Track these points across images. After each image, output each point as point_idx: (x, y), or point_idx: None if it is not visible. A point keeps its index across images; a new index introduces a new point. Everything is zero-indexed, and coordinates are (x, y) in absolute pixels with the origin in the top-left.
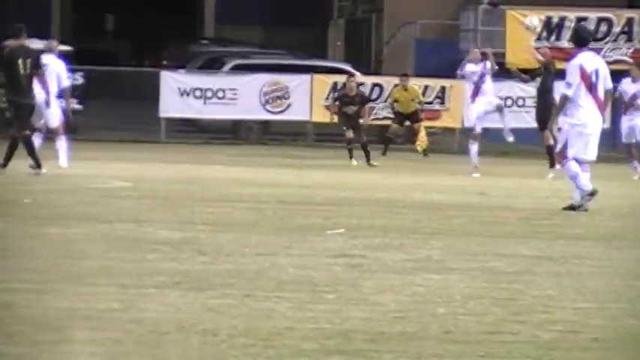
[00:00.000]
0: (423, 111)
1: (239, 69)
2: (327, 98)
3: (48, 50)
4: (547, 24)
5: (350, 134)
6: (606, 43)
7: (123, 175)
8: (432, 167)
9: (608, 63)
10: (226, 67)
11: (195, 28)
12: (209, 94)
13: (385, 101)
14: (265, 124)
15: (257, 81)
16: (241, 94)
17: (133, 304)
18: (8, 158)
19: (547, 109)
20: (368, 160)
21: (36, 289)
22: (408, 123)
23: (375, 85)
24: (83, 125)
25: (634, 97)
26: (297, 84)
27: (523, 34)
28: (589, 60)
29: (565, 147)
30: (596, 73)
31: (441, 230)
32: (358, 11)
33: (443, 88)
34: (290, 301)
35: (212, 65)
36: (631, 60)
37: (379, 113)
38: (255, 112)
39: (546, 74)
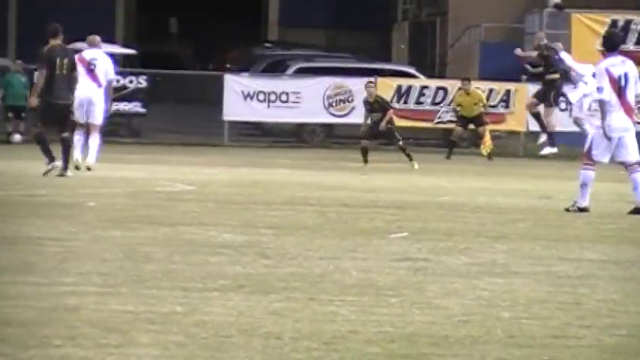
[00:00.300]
0: (488, 114)
1: (303, 72)
2: (391, 101)
3: (92, 45)
4: (613, 27)
5: (364, 143)
6: None
7: (186, 179)
8: (496, 171)
9: None
10: (290, 70)
11: (259, 31)
12: (273, 97)
13: (449, 105)
14: (329, 127)
15: (321, 84)
16: (305, 98)
17: (196, 308)
18: (49, 154)
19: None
20: (410, 159)
21: (101, 292)
22: (472, 126)
23: (440, 88)
24: (146, 128)
25: None
26: (360, 87)
27: (589, 37)
28: (616, 64)
29: (590, 148)
30: (625, 77)
31: (506, 234)
32: (422, 14)
33: (507, 92)
34: (353, 304)
35: (276, 68)
36: None
37: (443, 116)
38: (319, 115)
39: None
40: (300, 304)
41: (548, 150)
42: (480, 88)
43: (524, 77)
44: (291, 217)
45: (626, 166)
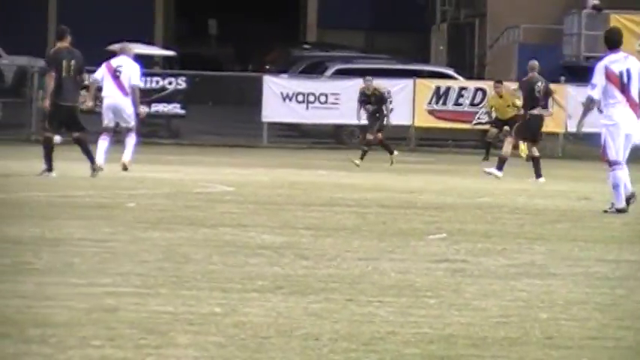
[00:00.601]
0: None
1: (341, 73)
2: (429, 102)
3: (122, 52)
4: None
5: (369, 136)
6: None
7: (225, 180)
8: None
9: None
10: (329, 72)
11: (298, 33)
12: (311, 98)
13: (485, 106)
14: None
15: (359, 85)
16: (343, 99)
17: (235, 309)
18: (89, 156)
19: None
20: (390, 153)
21: (140, 292)
22: (507, 128)
23: (478, 89)
24: (186, 130)
25: None
26: (399, 88)
27: (628, 38)
28: (617, 61)
29: (605, 148)
30: (628, 73)
31: (544, 235)
32: (461, 16)
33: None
34: (392, 305)
35: (314, 70)
36: None
37: (481, 118)
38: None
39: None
40: (338, 305)
41: (493, 170)
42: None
43: (562, 78)
44: (329, 219)
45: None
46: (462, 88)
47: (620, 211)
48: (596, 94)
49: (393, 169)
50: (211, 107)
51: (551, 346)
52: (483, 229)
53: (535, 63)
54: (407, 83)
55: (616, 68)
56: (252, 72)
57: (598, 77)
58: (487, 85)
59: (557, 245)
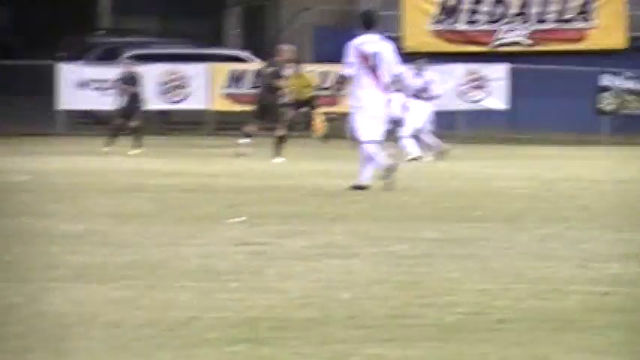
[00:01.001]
0: (319, 97)
1: (138, 59)
2: (226, 86)
3: None
4: (443, 7)
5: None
6: (502, 24)
7: (23, 169)
8: (333, 153)
9: (504, 45)
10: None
11: (92, 19)
12: (106, 85)
13: None
14: (165, 113)
15: (155, 71)
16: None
17: (35, 298)
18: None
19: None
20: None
21: None
22: (304, 109)
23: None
24: None
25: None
26: (195, 73)
27: (420, 18)
28: (370, 42)
29: (354, 129)
30: (379, 55)
31: (344, 215)
32: None
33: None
34: (194, 290)
35: (110, 56)
36: None
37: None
38: (154, 101)
39: None
40: (139, 291)
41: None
42: (314, 70)
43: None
44: (128, 205)
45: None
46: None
47: (358, 187)
48: (352, 71)
49: (193, 153)
50: (3, 96)
51: (353, 326)
52: (283, 211)
53: (284, 48)
54: (203, 68)
55: (367, 49)
56: (46, 60)
57: (351, 56)
58: None
59: (357, 225)
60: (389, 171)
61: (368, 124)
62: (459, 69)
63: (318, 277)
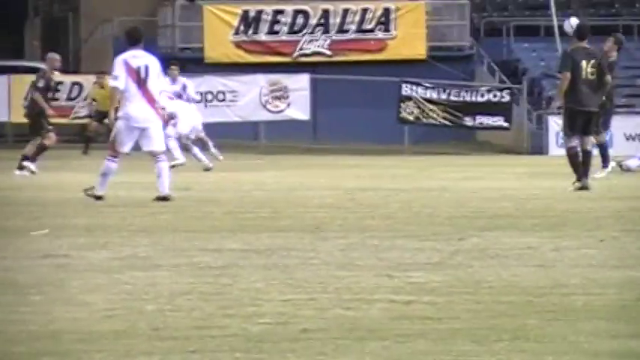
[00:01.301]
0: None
1: None
2: (25, 98)
3: None
4: (244, 18)
5: None
6: (303, 35)
7: None
8: (136, 164)
9: (306, 55)
10: None
11: None
12: None
13: (85, 99)
14: None
15: None
16: None
17: None
18: None
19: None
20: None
21: None
22: (107, 121)
23: (75, 83)
24: None
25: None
26: None
27: (221, 29)
28: (137, 57)
29: (115, 140)
30: (146, 69)
31: (147, 227)
32: (55, 10)
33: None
34: None
35: None
36: None
37: (79, 112)
38: None
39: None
40: None
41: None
42: None
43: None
44: None
45: (152, 155)
46: (58, 83)
47: (96, 198)
48: (120, 84)
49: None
50: None
51: (157, 338)
52: (86, 222)
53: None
54: (2, 80)
55: (134, 63)
56: None
57: (119, 70)
58: (84, 78)
59: (160, 237)
60: (97, 199)
61: (129, 137)
62: (261, 79)
63: (122, 289)
